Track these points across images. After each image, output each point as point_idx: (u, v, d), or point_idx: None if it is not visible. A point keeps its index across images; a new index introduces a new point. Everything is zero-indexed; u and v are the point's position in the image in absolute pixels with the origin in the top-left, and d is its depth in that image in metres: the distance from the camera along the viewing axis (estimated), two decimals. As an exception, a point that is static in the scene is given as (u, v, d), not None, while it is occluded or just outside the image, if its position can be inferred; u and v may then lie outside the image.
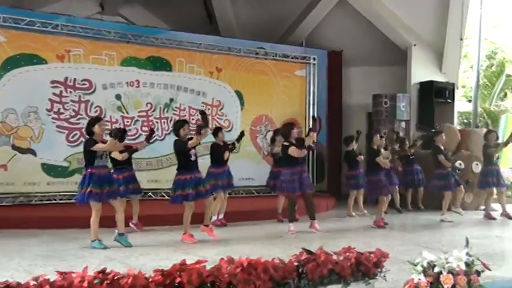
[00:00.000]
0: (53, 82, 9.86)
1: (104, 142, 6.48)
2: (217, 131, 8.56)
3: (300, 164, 7.98)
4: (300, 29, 13.24)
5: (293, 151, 7.72)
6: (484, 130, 10.97)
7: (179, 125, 7.13)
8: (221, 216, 8.55)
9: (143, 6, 14.47)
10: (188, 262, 5.53)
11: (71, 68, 10.06)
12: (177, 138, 7.08)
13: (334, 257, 3.96)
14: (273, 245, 6.82)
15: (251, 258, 3.79)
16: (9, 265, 5.46)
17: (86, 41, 10.20)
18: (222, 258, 3.70)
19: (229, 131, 11.77)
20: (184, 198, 6.86)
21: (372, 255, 4.06)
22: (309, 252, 3.90)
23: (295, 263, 3.83)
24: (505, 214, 9.45)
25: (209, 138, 8.45)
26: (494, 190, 9.66)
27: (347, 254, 4.04)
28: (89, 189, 6.28)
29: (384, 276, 3.92)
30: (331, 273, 3.76)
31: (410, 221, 9.59)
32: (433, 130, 10.54)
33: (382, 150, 8.77)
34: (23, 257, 5.87)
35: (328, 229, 8.16)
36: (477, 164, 10.54)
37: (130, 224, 7.70)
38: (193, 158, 6.99)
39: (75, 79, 10.09)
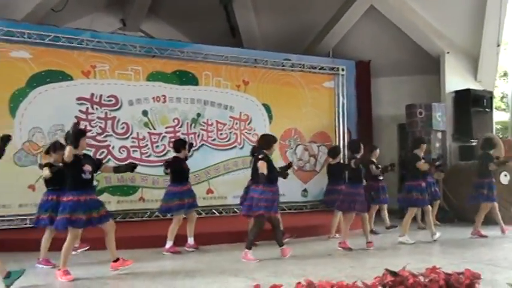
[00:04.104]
0: (79, 99, 9.58)
1: None
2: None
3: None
4: (326, 39, 12.91)
5: None
6: None
7: (80, 135, 5.90)
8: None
9: (165, 21, 14.25)
10: (239, 284, 5.20)
11: (97, 84, 9.79)
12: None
13: (421, 278, 3.53)
14: (325, 264, 6.35)
15: (306, 278, 3.39)
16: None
17: (111, 56, 9.94)
18: (299, 283, 3.29)
19: (258, 145, 11.41)
20: (72, 223, 5.64)
21: (461, 276, 3.63)
22: (393, 273, 3.47)
23: (380, 287, 3.41)
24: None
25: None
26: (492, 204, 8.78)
27: (433, 275, 3.61)
28: None
29: (479, 300, 3.47)
30: (422, 297, 3.34)
31: (458, 236, 8.87)
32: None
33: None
34: (62, 281, 5.53)
35: (377, 246, 7.67)
36: (506, 175, 10.07)
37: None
38: (87, 176, 5.83)
39: (101, 95, 9.80)
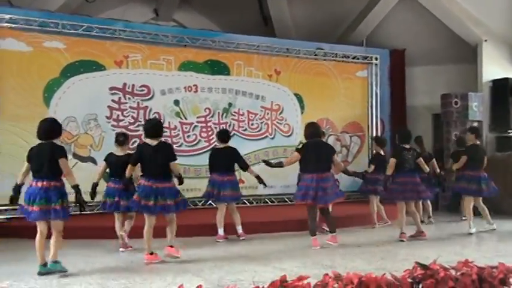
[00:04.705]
0: (111, 89, 9.70)
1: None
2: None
3: None
4: (360, 27, 12.66)
5: None
6: None
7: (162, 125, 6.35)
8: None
9: (197, 11, 14.20)
10: (267, 275, 5.16)
11: (129, 74, 9.88)
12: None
13: (452, 272, 3.43)
14: (354, 255, 6.26)
15: (334, 270, 3.34)
16: (80, 278, 5.17)
17: (144, 45, 10.01)
18: (327, 274, 3.24)
19: (289, 136, 11.36)
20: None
21: (494, 270, 3.51)
22: (424, 266, 3.38)
23: (409, 280, 3.32)
24: None
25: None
26: None
27: (465, 268, 3.50)
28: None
29: (514, 296, 3.34)
30: (452, 291, 3.24)
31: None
32: None
33: None
34: (93, 269, 5.58)
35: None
36: None
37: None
38: None
39: (133, 85, 9.90)
